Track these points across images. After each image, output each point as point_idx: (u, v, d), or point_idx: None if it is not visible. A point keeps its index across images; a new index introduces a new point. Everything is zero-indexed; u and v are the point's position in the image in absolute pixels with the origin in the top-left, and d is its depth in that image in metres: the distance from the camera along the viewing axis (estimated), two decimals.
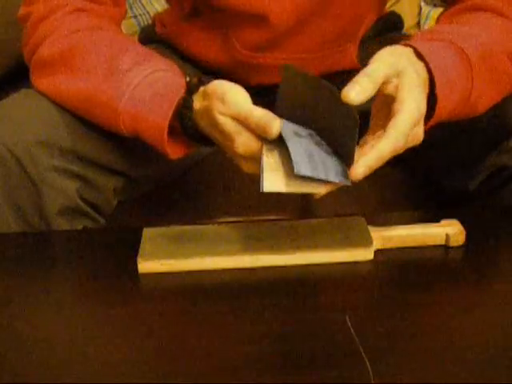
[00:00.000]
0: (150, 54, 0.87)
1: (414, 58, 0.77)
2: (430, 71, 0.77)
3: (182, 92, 0.79)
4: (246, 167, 0.76)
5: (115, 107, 0.82)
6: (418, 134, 0.74)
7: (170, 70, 0.84)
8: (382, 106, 0.75)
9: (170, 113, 0.79)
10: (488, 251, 0.78)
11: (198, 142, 0.82)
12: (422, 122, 0.74)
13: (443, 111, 0.78)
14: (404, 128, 0.71)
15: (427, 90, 0.77)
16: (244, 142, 0.73)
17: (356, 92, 0.69)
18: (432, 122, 0.78)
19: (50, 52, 0.88)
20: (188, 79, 0.81)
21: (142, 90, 0.81)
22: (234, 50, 1.02)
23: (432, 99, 0.77)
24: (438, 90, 0.76)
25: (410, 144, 0.74)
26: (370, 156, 0.69)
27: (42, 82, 0.89)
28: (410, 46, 0.78)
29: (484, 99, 0.82)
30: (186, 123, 0.80)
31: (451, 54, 0.79)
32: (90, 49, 0.86)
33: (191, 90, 0.79)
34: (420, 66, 0.76)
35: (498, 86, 0.84)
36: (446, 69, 0.77)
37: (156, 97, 0.80)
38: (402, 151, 0.73)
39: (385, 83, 0.72)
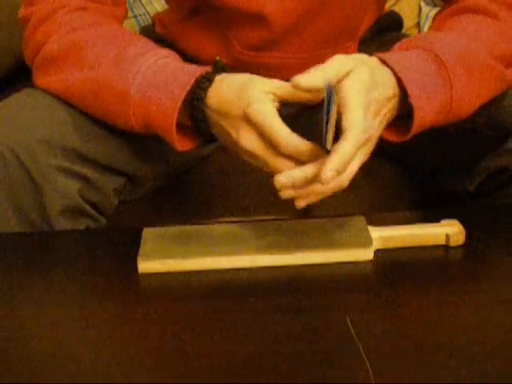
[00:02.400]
0: (155, 46, 0.87)
1: (373, 63, 0.77)
2: (399, 80, 0.77)
3: (193, 78, 0.79)
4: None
5: (126, 92, 0.81)
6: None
7: (177, 59, 0.85)
8: None
9: (182, 96, 0.78)
10: (488, 251, 0.78)
11: (204, 134, 0.82)
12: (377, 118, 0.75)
13: (425, 117, 0.78)
14: (356, 125, 0.71)
15: (395, 91, 0.77)
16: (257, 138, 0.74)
17: (304, 79, 0.72)
18: (414, 131, 0.79)
19: (55, 49, 0.88)
20: (218, 58, 0.81)
21: (152, 74, 0.81)
22: (233, 49, 1.02)
23: (408, 107, 0.77)
24: (413, 99, 0.77)
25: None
26: (333, 160, 0.70)
27: (47, 79, 0.89)
28: (376, 56, 0.79)
29: (468, 103, 0.82)
30: (197, 110, 0.80)
31: (423, 58, 0.80)
32: (96, 42, 0.87)
33: (217, 69, 0.80)
34: (382, 70, 0.77)
35: (482, 87, 0.84)
36: (418, 74, 0.78)
37: (167, 81, 0.80)
38: (371, 144, 0.75)
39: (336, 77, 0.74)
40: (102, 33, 0.88)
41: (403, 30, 1.21)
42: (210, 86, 0.79)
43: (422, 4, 1.65)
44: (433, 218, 0.80)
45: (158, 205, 1.06)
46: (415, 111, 0.77)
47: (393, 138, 0.81)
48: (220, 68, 0.81)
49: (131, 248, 0.78)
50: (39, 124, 0.85)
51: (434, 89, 0.79)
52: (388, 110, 0.77)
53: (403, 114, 0.80)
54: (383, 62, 0.78)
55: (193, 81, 0.79)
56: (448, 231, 0.78)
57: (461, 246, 0.78)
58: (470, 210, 0.90)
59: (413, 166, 1.06)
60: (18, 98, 0.90)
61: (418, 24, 1.65)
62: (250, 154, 0.76)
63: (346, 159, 0.70)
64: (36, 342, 0.66)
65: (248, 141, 0.76)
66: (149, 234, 0.80)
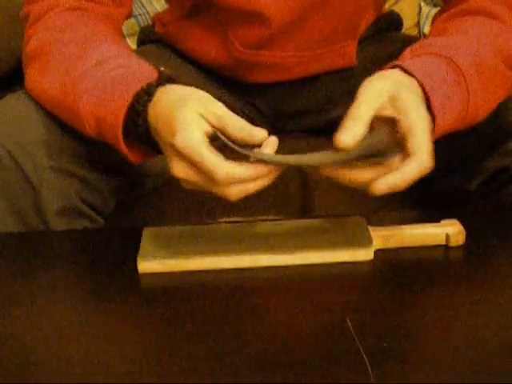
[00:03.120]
0: (119, 53, 0.84)
1: (403, 77, 0.76)
2: (422, 87, 0.76)
3: (132, 92, 0.76)
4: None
5: (77, 106, 0.80)
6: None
7: (132, 66, 0.81)
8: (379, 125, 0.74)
9: (123, 112, 0.75)
10: (488, 251, 0.78)
11: (148, 145, 0.78)
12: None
13: (443, 126, 0.77)
14: (425, 150, 0.72)
15: (425, 104, 0.76)
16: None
17: (346, 137, 0.70)
18: (433, 138, 0.78)
19: (31, 47, 0.88)
20: (162, 69, 0.78)
21: (103, 86, 0.78)
22: (232, 48, 1.02)
23: (430, 115, 0.77)
24: (434, 106, 0.76)
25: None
26: (394, 176, 0.71)
27: (26, 77, 0.89)
28: (398, 66, 0.77)
29: (482, 107, 0.81)
30: (138, 125, 0.76)
31: (442, 66, 0.78)
32: (65, 44, 0.85)
33: (163, 81, 0.76)
34: (412, 82, 0.75)
35: (494, 91, 0.83)
36: (438, 83, 0.76)
37: (111, 95, 0.77)
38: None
39: (379, 110, 0.72)
40: (75, 35, 0.86)
41: (403, 30, 1.21)
42: (149, 100, 0.74)
43: (422, 4, 1.65)
44: (433, 218, 0.80)
45: (158, 205, 1.06)
46: (437, 119, 0.75)
47: None
48: (165, 78, 0.77)
49: (131, 248, 0.78)
50: (36, 125, 0.85)
51: (453, 95, 0.77)
52: None
53: None
54: (404, 70, 0.76)
55: (131, 96, 0.75)
56: (448, 231, 0.78)
57: (461, 246, 0.78)
58: (470, 210, 0.90)
59: None
60: (14, 99, 0.89)
61: (417, 24, 1.65)
62: (188, 183, 0.73)
63: (407, 180, 0.72)
64: (34, 342, 0.66)
65: (180, 171, 0.72)
66: (149, 233, 0.80)
